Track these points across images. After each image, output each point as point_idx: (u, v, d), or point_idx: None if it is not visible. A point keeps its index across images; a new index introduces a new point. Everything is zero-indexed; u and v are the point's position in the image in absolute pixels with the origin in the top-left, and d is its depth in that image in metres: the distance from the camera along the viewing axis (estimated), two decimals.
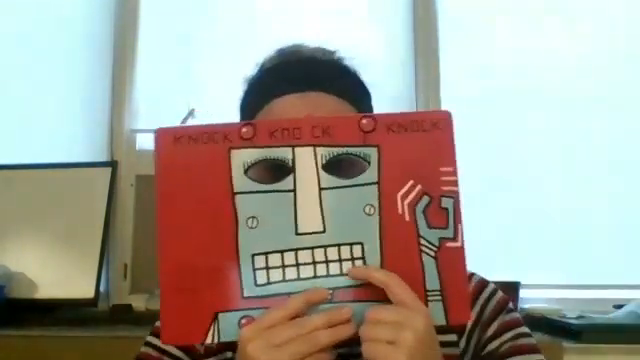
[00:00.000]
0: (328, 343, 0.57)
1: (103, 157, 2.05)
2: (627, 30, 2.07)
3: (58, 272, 1.82)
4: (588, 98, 2.03)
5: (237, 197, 0.60)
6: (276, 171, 0.61)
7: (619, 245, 1.94)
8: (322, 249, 0.60)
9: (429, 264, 0.60)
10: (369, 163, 0.61)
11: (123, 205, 2.01)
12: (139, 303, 1.78)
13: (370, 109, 0.79)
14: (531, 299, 1.82)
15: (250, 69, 0.81)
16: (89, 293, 1.79)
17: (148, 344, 0.79)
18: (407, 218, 0.61)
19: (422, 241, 0.61)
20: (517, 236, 1.95)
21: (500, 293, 0.80)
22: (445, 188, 0.62)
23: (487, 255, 1.84)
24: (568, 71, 2.05)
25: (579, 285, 1.92)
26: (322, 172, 0.61)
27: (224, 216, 0.60)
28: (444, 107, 2.02)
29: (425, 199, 0.61)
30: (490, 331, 0.75)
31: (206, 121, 2.11)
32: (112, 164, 1.99)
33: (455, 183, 0.62)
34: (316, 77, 0.75)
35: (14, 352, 1.50)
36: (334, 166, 0.61)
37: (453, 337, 0.75)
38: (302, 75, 0.75)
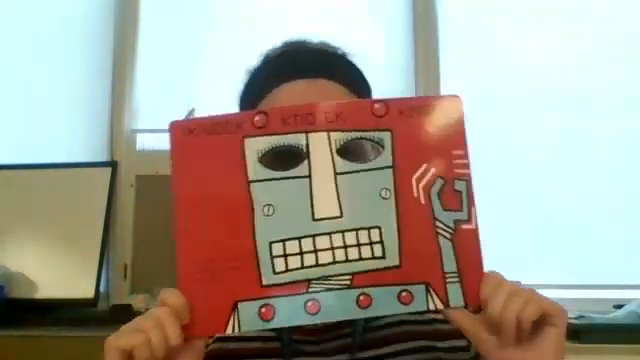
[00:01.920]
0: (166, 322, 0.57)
1: (103, 157, 2.05)
2: (627, 30, 2.07)
3: (58, 272, 1.82)
4: (588, 98, 2.03)
5: (252, 185, 0.60)
6: (291, 158, 0.61)
7: (619, 245, 1.94)
8: (340, 234, 0.60)
9: (446, 246, 0.61)
10: (383, 147, 0.62)
11: (123, 205, 2.01)
12: (139, 303, 1.79)
13: None
14: None
15: (252, 62, 0.80)
16: (89, 293, 1.79)
17: None
18: (422, 201, 0.61)
19: (438, 223, 0.61)
20: (517, 236, 1.95)
21: None
22: (458, 171, 0.62)
23: (487, 255, 1.84)
24: (568, 71, 2.05)
25: (579, 285, 1.92)
26: (337, 157, 0.61)
27: (240, 205, 0.60)
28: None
29: (439, 182, 0.61)
30: None
31: None
32: (112, 164, 1.99)
33: (467, 166, 0.62)
34: (326, 65, 0.76)
35: (14, 352, 1.51)
36: (348, 151, 0.61)
37: (464, 342, 0.74)
38: (312, 62, 0.76)
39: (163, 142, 2.09)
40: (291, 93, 0.73)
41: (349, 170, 0.61)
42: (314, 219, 0.60)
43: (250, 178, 0.60)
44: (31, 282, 1.80)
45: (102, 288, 1.88)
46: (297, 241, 0.60)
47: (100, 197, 1.91)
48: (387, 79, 2.05)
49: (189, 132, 0.62)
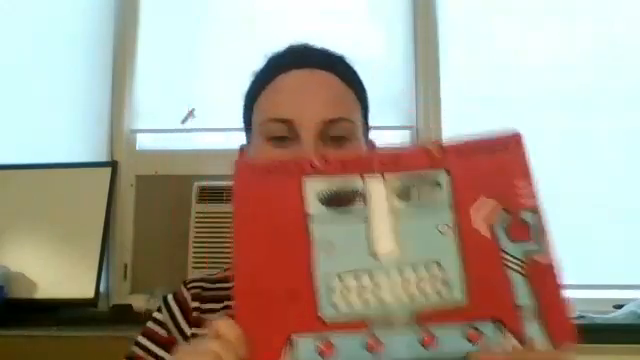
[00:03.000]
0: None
1: (103, 157, 2.05)
2: (627, 30, 2.07)
3: (58, 272, 1.82)
4: (588, 98, 2.03)
5: (311, 221, 0.60)
6: (348, 198, 0.61)
7: (619, 245, 1.94)
8: (398, 270, 0.58)
9: (517, 279, 0.57)
10: (440, 186, 0.61)
11: (123, 205, 2.02)
12: (139, 303, 1.78)
13: (367, 107, 0.81)
14: None
15: (255, 63, 0.82)
16: (89, 293, 1.79)
17: (137, 344, 0.80)
18: (485, 234, 0.59)
19: (505, 256, 0.58)
20: None
21: None
22: (524, 202, 0.60)
23: None
24: (568, 71, 2.05)
25: (579, 285, 1.92)
26: (393, 197, 0.61)
27: (298, 240, 0.60)
28: (444, 106, 2.03)
29: (503, 214, 0.59)
30: None
31: (206, 121, 2.12)
32: (112, 164, 1.99)
33: (534, 196, 0.60)
34: (324, 59, 0.78)
35: (14, 352, 1.50)
36: (405, 191, 0.61)
37: None
38: (311, 55, 0.78)
39: (163, 142, 2.10)
40: (290, 81, 0.75)
41: (406, 208, 0.60)
42: (372, 255, 0.59)
43: (309, 213, 0.61)
44: (31, 282, 1.80)
45: (102, 288, 1.88)
46: (354, 275, 0.58)
47: (100, 197, 1.91)
48: (387, 79, 2.05)
49: (252, 171, 0.62)
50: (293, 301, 0.58)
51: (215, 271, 0.86)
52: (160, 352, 0.78)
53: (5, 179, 1.94)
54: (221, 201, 1.85)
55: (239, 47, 2.03)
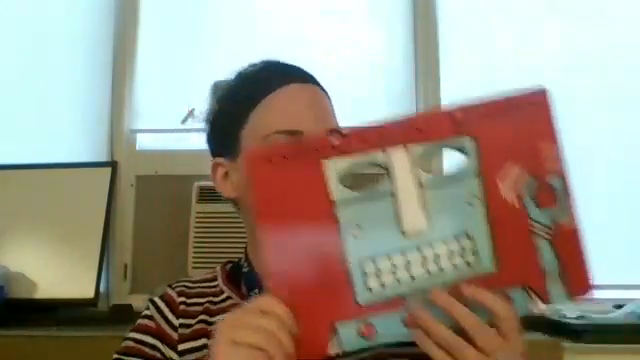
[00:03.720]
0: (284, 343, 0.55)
1: (103, 157, 2.05)
2: (627, 30, 2.07)
3: (58, 272, 1.82)
4: (588, 98, 2.03)
5: (337, 206, 0.59)
6: (371, 176, 0.61)
7: (619, 245, 1.94)
8: (430, 246, 0.59)
9: (544, 247, 0.59)
10: (467, 154, 0.60)
11: (123, 205, 2.01)
12: (139, 303, 1.78)
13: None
14: None
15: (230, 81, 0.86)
16: (89, 293, 1.79)
17: (128, 339, 0.83)
18: (514, 203, 0.59)
19: (533, 223, 0.59)
20: None
21: None
22: (550, 166, 0.60)
23: None
24: (568, 71, 2.05)
25: None
26: (417, 170, 0.60)
27: (327, 227, 0.59)
28: (444, 106, 2.02)
29: (531, 181, 0.60)
30: None
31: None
32: (112, 164, 1.99)
33: (560, 160, 0.60)
34: (311, 75, 0.82)
35: (14, 352, 1.50)
36: (429, 162, 0.60)
37: None
38: (300, 70, 0.81)
39: (163, 142, 2.09)
40: (287, 96, 0.77)
41: (433, 181, 0.59)
42: (402, 234, 0.59)
43: (334, 199, 0.59)
44: (31, 282, 1.80)
45: (102, 288, 1.88)
46: (387, 257, 0.59)
47: (100, 197, 1.91)
48: (387, 79, 2.04)
49: (268, 161, 0.60)
50: (330, 290, 0.58)
51: (198, 275, 0.88)
52: (151, 340, 0.80)
53: (5, 179, 1.94)
54: (221, 201, 1.85)
55: (239, 47, 2.03)
